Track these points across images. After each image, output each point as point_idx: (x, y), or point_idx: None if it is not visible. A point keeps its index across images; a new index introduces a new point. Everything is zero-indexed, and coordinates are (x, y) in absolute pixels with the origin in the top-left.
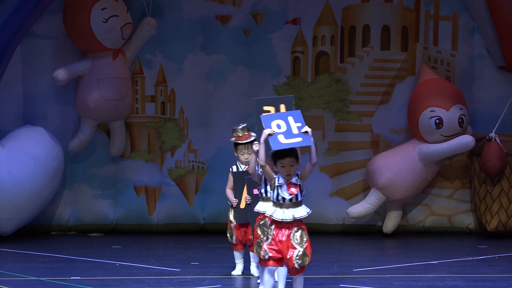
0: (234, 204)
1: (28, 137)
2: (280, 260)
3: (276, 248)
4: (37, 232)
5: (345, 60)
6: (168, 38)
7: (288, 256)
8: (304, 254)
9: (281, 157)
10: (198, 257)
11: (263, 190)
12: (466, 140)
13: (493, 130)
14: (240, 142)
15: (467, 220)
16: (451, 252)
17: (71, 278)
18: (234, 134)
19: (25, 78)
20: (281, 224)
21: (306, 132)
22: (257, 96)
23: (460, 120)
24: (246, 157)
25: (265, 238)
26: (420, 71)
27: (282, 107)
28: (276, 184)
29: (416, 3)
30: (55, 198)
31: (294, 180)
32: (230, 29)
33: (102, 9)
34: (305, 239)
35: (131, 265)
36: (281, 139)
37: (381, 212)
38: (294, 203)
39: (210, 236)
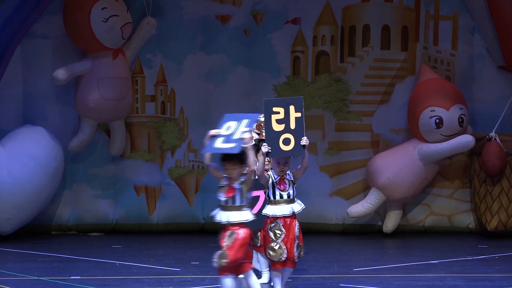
0: None
1: (28, 137)
2: (235, 268)
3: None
4: (37, 232)
5: (345, 59)
6: (168, 38)
7: None
8: (222, 254)
9: (223, 159)
10: (198, 256)
11: (271, 193)
12: (466, 139)
13: (493, 130)
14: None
15: (467, 220)
16: (451, 252)
17: (72, 277)
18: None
19: (25, 78)
20: (224, 227)
21: (242, 138)
22: (257, 95)
23: (460, 120)
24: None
25: (278, 240)
26: (420, 71)
27: (292, 109)
28: (219, 185)
29: (416, 3)
30: (55, 198)
31: (235, 184)
32: (230, 29)
33: (102, 9)
34: (230, 241)
35: (131, 265)
36: (218, 143)
37: (381, 211)
38: (231, 206)
39: (210, 236)
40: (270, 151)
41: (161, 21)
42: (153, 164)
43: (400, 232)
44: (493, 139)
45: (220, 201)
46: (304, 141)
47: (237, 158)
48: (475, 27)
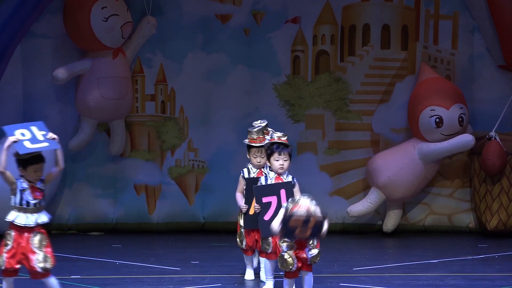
0: (243, 209)
1: None
2: (16, 271)
3: (16, 258)
4: None
5: (345, 59)
6: (168, 37)
7: (31, 261)
8: (45, 257)
9: (35, 162)
10: (198, 256)
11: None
12: (466, 139)
13: (493, 129)
14: (253, 145)
15: (467, 219)
16: (451, 251)
17: (72, 277)
18: (249, 136)
19: (25, 78)
20: (22, 230)
21: (53, 138)
22: (257, 95)
23: (460, 119)
24: (258, 160)
25: (290, 252)
26: (420, 70)
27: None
28: (19, 188)
29: (416, 2)
30: (55, 197)
31: (38, 184)
32: (230, 28)
33: (102, 8)
34: (44, 243)
35: (131, 264)
36: (27, 144)
37: (381, 211)
38: (38, 208)
39: (210, 235)
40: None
41: (161, 20)
42: (153, 163)
43: (400, 232)
44: (493, 138)
45: (25, 204)
46: None
47: (40, 159)
48: (475, 27)
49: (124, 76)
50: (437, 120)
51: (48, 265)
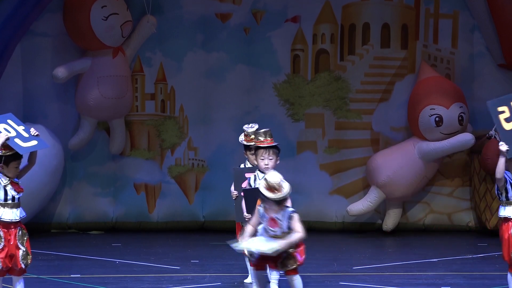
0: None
1: None
2: (8, 270)
3: (8, 256)
4: (37, 230)
5: (345, 58)
6: (168, 36)
7: (16, 257)
8: (26, 253)
9: (18, 158)
10: (198, 255)
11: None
12: (466, 138)
13: (493, 128)
14: (261, 146)
15: (467, 218)
16: (450, 250)
17: (71, 276)
18: (255, 138)
19: (25, 76)
20: (8, 226)
21: (37, 135)
22: (257, 94)
23: (460, 118)
24: (266, 162)
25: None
26: (420, 69)
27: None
28: (3, 184)
29: (416, 1)
30: (55, 196)
31: (15, 179)
32: (230, 27)
33: (102, 7)
34: (25, 238)
35: (131, 263)
36: (20, 143)
37: (381, 210)
38: (19, 202)
39: (210, 234)
40: (509, 149)
41: (161, 19)
42: (153, 162)
43: (400, 230)
44: (493, 137)
45: (10, 198)
46: None
47: (20, 154)
48: (475, 25)
49: (124, 75)
50: (437, 119)
51: (28, 261)
